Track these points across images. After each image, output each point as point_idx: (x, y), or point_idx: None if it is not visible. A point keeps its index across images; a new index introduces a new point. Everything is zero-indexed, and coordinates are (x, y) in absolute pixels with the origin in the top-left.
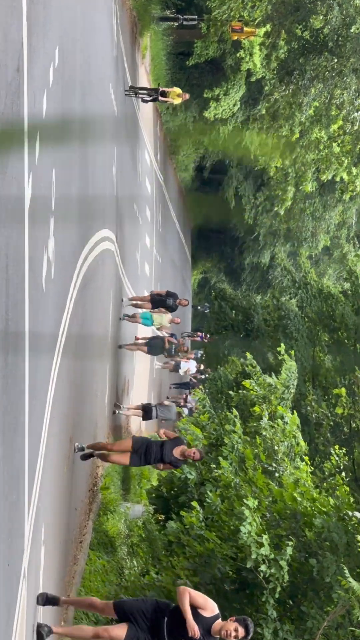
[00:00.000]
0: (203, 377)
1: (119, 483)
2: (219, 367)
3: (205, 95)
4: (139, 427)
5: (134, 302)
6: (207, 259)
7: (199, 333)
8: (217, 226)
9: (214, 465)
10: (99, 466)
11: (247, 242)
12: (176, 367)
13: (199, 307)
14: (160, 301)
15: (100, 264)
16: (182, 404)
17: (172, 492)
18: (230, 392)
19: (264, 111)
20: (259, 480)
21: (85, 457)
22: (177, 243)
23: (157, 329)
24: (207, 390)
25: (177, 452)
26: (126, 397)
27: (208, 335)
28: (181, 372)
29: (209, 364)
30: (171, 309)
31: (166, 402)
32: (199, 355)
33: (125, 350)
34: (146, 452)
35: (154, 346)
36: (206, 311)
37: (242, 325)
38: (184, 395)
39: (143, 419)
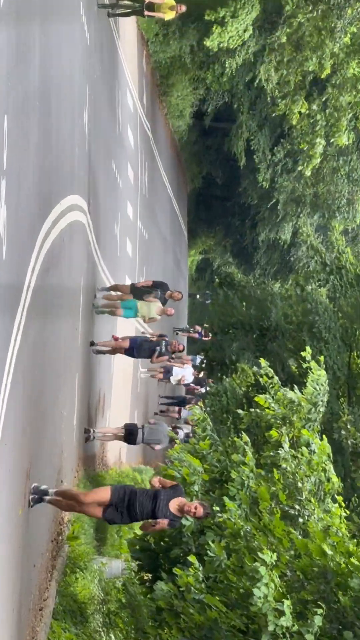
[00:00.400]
0: (202, 389)
1: (91, 531)
2: (224, 377)
3: (206, 17)
4: (118, 456)
5: (111, 292)
6: (209, 234)
7: (198, 328)
8: (222, 191)
9: (218, 508)
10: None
11: (261, 213)
12: (167, 375)
13: (197, 296)
14: (145, 293)
15: (67, 242)
16: (173, 427)
17: (161, 543)
18: (239, 411)
19: (284, 39)
20: (278, 527)
21: (36, 502)
22: (170, 213)
23: (143, 321)
24: (208, 409)
25: (173, 505)
26: (101, 417)
27: (209, 334)
28: (173, 380)
29: (210, 372)
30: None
31: (152, 421)
32: (198, 360)
33: (99, 356)
34: (129, 505)
35: (139, 347)
36: (207, 301)
37: (256, 322)
38: (177, 409)
39: (125, 441)
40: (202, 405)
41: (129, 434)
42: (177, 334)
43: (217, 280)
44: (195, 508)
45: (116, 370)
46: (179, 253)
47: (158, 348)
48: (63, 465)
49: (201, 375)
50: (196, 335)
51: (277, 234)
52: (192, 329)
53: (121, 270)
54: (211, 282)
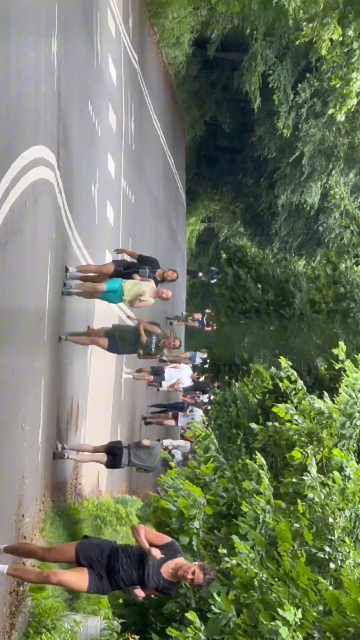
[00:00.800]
0: (204, 398)
1: (64, 566)
2: (232, 381)
3: None
4: (96, 483)
5: (86, 274)
6: (214, 197)
7: (197, 316)
8: (230, 141)
9: (225, 551)
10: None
11: (281, 169)
12: (158, 377)
13: (199, 275)
14: (129, 273)
15: (31, 207)
16: (169, 448)
17: (151, 595)
18: (253, 425)
19: None
20: (302, 576)
21: None
22: (163, 170)
23: (131, 305)
24: (212, 422)
25: (167, 570)
26: (74, 433)
27: (214, 323)
28: (165, 385)
29: (215, 375)
30: None
31: (146, 442)
32: (198, 359)
33: (70, 346)
34: (109, 569)
35: (122, 338)
36: (213, 281)
37: (274, 309)
38: (171, 415)
39: (107, 467)
40: (206, 418)
41: (111, 456)
42: (171, 323)
43: (224, 256)
44: (193, 573)
45: (94, 371)
46: (175, 221)
47: (154, 338)
48: (24, 495)
49: (202, 378)
50: (196, 325)
51: (302, 196)
52: (191, 317)
53: (100, 244)
54: (217, 259)
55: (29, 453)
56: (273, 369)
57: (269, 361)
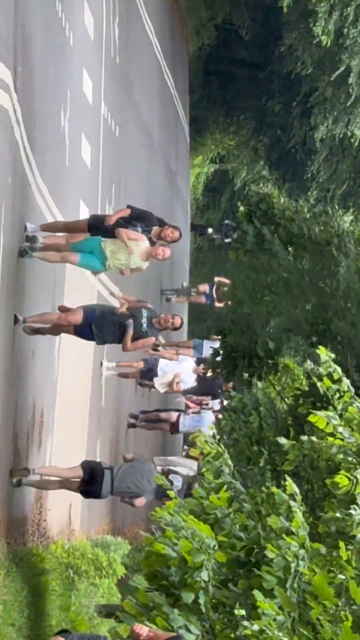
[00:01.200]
0: (216, 404)
1: (24, 630)
2: (253, 379)
3: None
4: (67, 518)
5: (52, 234)
6: (228, 128)
7: (203, 288)
8: (249, 52)
9: (243, 613)
10: None
11: (320, 90)
12: (149, 374)
13: (208, 231)
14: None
15: None
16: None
17: None
18: (282, 440)
19: None
20: None
21: None
22: (158, 91)
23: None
24: (226, 437)
25: None
26: (37, 450)
27: (228, 297)
28: (159, 383)
29: (231, 371)
30: None
31: (129, 456)
32: (207, 350)
33: (34, 341)
34: None
35: (101, 321)
36: (227, 240)
37: (311, 281)
38: (174, 416)
39: (85, 496)
40: (215, 430)
41: (89, 481)
42: (168, 299)
43: (242, 208)
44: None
45: (65, 366)
46: (175, 161)
47: (129, 322)
48: None
49: (210, 374)
50: (202, 300)
51: (348, 127)
52: (195, 290)
53: (72, 192)
54: (232, 212)
55: None
56: (309, 364)
57: (303, 353)
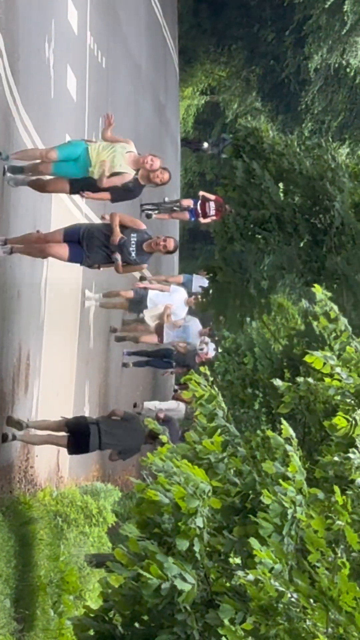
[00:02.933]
0: (211, 348)
1: (7, 603)
2: (246, 319)
3: None
4: (55, 465)
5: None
6: (219, 58)
7: (187, 203)
8: None
9: (238, 561)
10: None
11: (314, 17)
12: (137, 306)
13: (203, 146)
14: None
15: None
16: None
17: (135, 622)
18: (276, 382)
19: None
20: (346, 594)
21: None
22: (145, 20)
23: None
24: (219, 379)
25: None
26: (23, 395)
27: (228, 207)
28: (148, 315)
29: (221, 310)
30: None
31: (119, 413)
32: (196, 286)
33: (14, 268)
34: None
35: (89, 239)
36: (224, 155)
37: (304, 217)
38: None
39: (70, 452)
40: (207, 373)
41: (77, 435)
42: (148, 216)
43: (232, 140)
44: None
45: (52, 304)
46: (164, 93)
47: (115, 257)
48: None
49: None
50: (186, 216)
51: (343, 56)
52: (178, 206)
53: (58, 125)
54: (220, 144)
55: None
56: (304, 303)
57: (298, 291)
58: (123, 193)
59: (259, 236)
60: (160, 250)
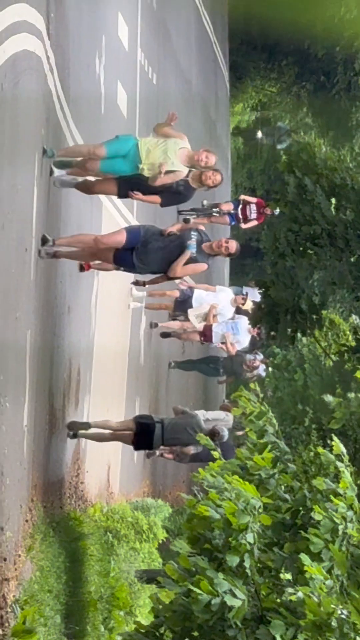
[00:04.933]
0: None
1: (57, 619)
2: (297, 335)
3: None
4: (105, 481)
5: (76, 157)
6: (269, 74)
7: (226, 207)
8: None
9: (289, 577)
10: (7, 579)
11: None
12: (182, 305)
13: (258, 135)
14: None
15: (10, 90)
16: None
17: (185, 637)
18: (328, 398)
19: None
20: None
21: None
22: (196, 37)
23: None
24: (269, 393)
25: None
26: (74, 409)
27: (268, 210)
28: (194, 315)
29: (273, 327)
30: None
31: (179, 408)
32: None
33: (66, 285)
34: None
35: (144, 246)
36: (279, 145)
37: (356, 233)
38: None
39: (134, 444)
40: (258, 389)
41: (141, 432)
42: (186, 220)
43: (283, 158)
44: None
45: (101, 324)
46: (214, 109)
47: (190, 243)
48: (4, 500)
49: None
50: (226, 221)
51: None
52: (218, 210)
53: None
54: (273, 161)
55: (10, 440)
56: (354, 318)
57: (349, 307)
58: (173, 197)
59: (311, 251)
60: (222, 252)
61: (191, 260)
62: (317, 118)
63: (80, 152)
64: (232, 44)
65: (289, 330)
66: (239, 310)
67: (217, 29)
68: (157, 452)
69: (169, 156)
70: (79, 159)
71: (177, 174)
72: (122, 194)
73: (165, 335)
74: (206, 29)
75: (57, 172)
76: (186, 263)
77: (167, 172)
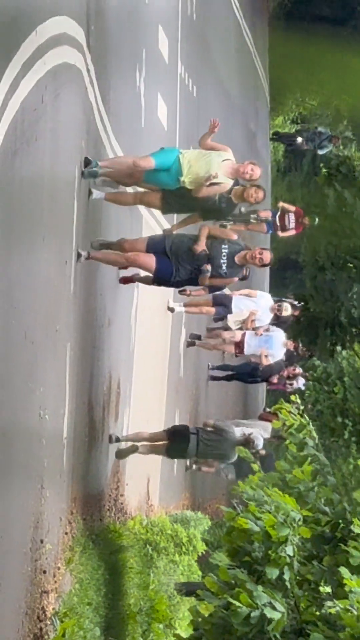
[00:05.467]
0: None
1: (96, 631)
2: (336, 349)
3: None
4: (145, 494)
5: (120, 167)
6: (309, 86)
7: (264, 214)
8: (331, 8)
9: (329, 590)
10: (47, 591)
11: None
12: (221, 311)
13: (297, 140)
14: None
15: (51, 102)
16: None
17: None
18: None
19: None
20: None
21: None
22: (236, 50)
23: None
24: (309, 407)
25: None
26: (114, 421)
27: (307, 220)
28: (232, 320)
29: (312, 341)
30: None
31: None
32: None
33: (106, 293)
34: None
35: (176, 253)
36: (321, 151)
37: None
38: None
39: (170, 456)
40: (298, 401)
41: (176, 442)
42: (222, 225)
43: (323, 171)
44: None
45: (140, 337)
46: (254, 122)
47: (205, 268)
48: (43, 513)
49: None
50: (263, 228)
51: None
52: (255, 217)
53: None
54: (314, 174)
55: (49, 452)
56: None
57: None
58: (214, 213)
59: (350, 265)
60: (255, 263)
61: (220, 277)
62: (357, 131)
63: (125, 162)
64: (273, 56)
65: (329, 343)
66: (277, 318)
67: (257, 41)
68: (195, 466)
69: (213, 168)
70: (122, 169)
71: (222, 186)
72: (166, 209)
73: (190, 344)
74: (246, 41)
75: (96, 193)
76: (215, 277)
77: (212, 184)
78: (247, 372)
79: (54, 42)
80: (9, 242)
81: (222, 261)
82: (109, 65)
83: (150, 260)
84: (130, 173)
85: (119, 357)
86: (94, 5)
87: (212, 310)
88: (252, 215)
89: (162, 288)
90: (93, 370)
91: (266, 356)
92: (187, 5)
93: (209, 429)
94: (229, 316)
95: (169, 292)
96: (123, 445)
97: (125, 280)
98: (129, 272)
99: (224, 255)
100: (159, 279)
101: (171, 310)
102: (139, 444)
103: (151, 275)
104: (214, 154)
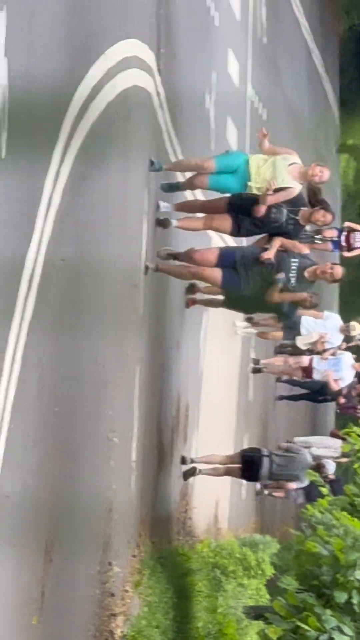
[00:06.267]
0: None
1: (168, 632)
2: None
3: None
4: (213, 517)
5: (185, 171)
6: None
7: (329, 233)
8: None
9: None
10: (115, 614)
11: None
12: (290, 332)
13: None
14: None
15: (121, 125)
16: (318, 462)
17: None
18: None
19: None
20: None
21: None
22: (306, 73)
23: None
24: None
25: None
26: (182, 444)
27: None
28: (302, 343)
29: None
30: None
31: (283, 445)
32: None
33: (174, 319)
34: None
35: (245, 267)
36: None
37: None
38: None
39: (244, 478)
40: None
41: (249, 464)
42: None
43: None
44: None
45: (209, 360)
46: (324, 145)
47: (280, 277)
48: (112, 536)
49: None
50: (329, 248)
51: None
52: (320, 237)
53: None
54: None
55: (118, 475)
56: None
57: None
58: (281, 236)
59: None
60: (326, 278)
61: (289, 289)
62: None
63: (189, 165)
64: (343, 80)
65: None
66: (348, 340)
67: (328, 65)
68: (266, 492)
69: (278, 173)
70: (187, 175)
71: (290, 191)
72: (235, 233)
73: (256, 370)
74: (316, 64)
75: (163, 205)
76: (283, 291)
77: (278, 189)
78: (317, 390)
79: (124, 65)
80: (80, 267)
81: (291, 274)
82: (179, 88)
83: (216, 274)
84: (194, 180)
85: (187, 380)
86: (164, 28)
87: (280, 334)
88: (316, 236)
89: (232, 312)
90: (162, 393)
91: (336, 380)
92: (257, 28)
93: (280, 452)
94: (297, 338)
95: (239, 316)
96: (189, 467)
97: (192, 302)
98: (197, 295)
99: (294, 269)
100: (228, 291)
101: (256, 371)
102: (211, 466)
103: (219, 293)
104: (278, 158)
